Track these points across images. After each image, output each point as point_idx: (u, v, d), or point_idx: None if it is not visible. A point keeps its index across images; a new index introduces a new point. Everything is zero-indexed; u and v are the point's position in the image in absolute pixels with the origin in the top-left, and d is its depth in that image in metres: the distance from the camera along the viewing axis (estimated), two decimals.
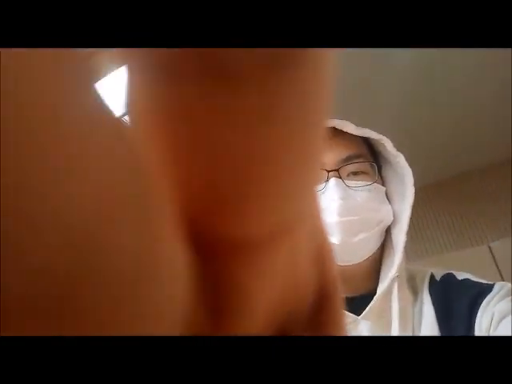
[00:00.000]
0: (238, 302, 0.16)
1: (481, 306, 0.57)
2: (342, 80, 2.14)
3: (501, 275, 2.18)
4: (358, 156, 0.65)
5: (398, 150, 0.61)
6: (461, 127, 2.59)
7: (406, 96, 2.33)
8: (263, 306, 0.17)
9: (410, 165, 0.59)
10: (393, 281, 0.60)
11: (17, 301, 0.08)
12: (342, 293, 0.21)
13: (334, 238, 0.60)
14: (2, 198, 0.07)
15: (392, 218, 0.65)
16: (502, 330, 0.49)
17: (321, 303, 0.20)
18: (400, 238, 0.64)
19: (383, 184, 0.68)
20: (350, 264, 0.62)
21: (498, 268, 2.23)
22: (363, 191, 0.63)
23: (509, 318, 0.51)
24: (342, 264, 0.61)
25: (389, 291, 0.59)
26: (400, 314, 0.57)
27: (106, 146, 0.10)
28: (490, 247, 2.34)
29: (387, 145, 0.66)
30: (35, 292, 0.08)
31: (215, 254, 0.14)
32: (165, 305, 0.12)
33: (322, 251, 0.20)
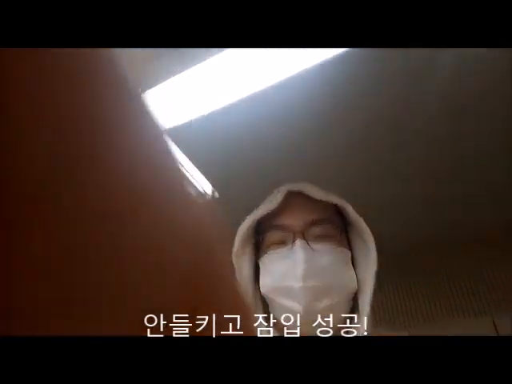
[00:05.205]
0: None
1: None
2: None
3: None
4: (322, 220, 0.65)
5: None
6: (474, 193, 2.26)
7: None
8: None
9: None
10: None
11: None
12: None
13: (298, 304, 0.58)
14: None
15: (355, 285, 0.63)
16: None
17: None
18: (365, 307, 0.61)
19: (349, 247, 0.67)
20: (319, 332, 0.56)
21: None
22: (328, 255, 0.62)
23: None
24: (306, 334, 0.56)
25: None
26: None
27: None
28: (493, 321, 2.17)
29: (348, 209, 0.66)
30: None
31: None
32: None
33: None
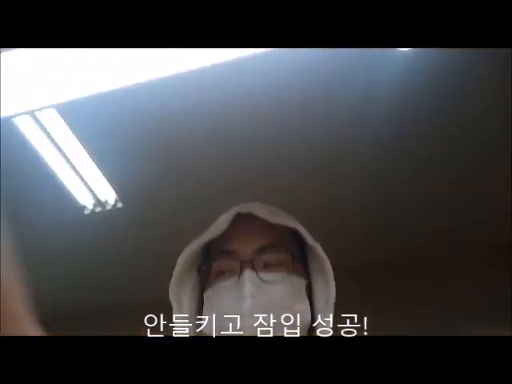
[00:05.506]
0: None
1: None
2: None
3: None
4: (273, 245, 0.58)
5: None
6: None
7: None
8: None
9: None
10: None
11: None
12: None
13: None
14: None
15: (309, 318, 0.57)
16: None
17: None
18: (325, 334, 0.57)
19: (308, 276, 0.61)
20: None
21: None
22: (278, 285, 0.56)
23: None
24: None
25: None
26: None
27: None
28: None
29: (304, 234, 0.60)
30: None
31: None
32: None
33: None
